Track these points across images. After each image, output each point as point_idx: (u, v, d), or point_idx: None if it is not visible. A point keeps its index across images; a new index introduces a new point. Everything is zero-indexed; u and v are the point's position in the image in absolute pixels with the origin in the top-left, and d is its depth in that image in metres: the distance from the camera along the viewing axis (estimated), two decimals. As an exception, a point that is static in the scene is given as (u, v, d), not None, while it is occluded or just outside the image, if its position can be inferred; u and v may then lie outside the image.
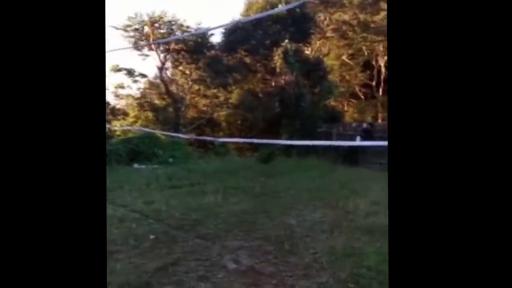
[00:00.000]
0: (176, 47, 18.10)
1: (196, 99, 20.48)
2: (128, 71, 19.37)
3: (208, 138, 11.83)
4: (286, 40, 14.00)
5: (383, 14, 18.20)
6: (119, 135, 15.50)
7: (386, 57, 18.20)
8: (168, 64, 19.23)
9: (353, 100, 20.64)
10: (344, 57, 19.51)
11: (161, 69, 18.46)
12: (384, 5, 18.20)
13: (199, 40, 18.05)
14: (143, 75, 20.09)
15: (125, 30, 17.44)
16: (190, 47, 18.03)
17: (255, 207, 4.97)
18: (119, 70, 19.04)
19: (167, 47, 18.03)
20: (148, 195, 5.72)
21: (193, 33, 18.02)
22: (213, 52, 18.22)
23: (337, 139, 9.80)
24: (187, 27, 18.20)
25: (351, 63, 19.61)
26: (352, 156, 9.03)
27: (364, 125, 11.14)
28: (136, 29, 17.59)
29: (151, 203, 5.15)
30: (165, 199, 5.38)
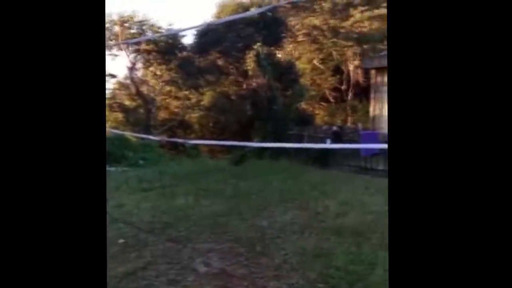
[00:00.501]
0: (147, 47, 17.82)
1: (168, 100, 20.22)
2: (97, 71, 18.84)
3: (179, 140, 11.70)
4: (259, 43, 14.08)
5: (352, 20, 18.67)
6: (87, 137, 15.03)
7: (355, 62, 18.66)
8: (139, 64, 18.90)
9: (323, 104, 20.98)
10: (315, 61, 19.83)
11: (131, 69, 18.12)
12: (353, 12, 18.67)
13: (171, 41, 17.85)
14: (113, 76, 19.61)
15: (94, 29, 17.00)
16: (162, 48, 17.80)
17: (227, 209, 4.96)
18: (88, 70, 18.48)
19: (137, 47, 17.72)
20: (117, 198, 5.59)
21: (165, 33, 17.82)
22: (185, 53, 18.07)
23: (308, 142, 9.93)
24: (159, 27, 17.97)
25: (322, 67, 19.96)
26: (322, 158, 9.18)
27: (334, 128, 11.36)
28: (106, 29, 17.18)
29: (121, 206, 5.04)
30: (135, 202, 5.28)
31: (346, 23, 18.79)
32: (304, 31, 19.23)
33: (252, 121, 13.48)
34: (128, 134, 13.26)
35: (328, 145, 8.26)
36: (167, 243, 3.68)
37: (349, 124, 17.44)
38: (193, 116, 19.23)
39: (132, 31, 17.65)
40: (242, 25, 15.89)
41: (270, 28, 15.81)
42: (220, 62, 17.50)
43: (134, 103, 19.52)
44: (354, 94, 19.52)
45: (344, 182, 6.95)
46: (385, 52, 15.49)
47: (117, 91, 20.22)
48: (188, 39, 20.92)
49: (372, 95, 13.68)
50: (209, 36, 16.30)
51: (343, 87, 19.88)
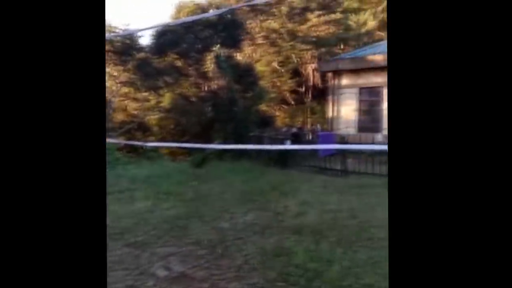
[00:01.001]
0: (103, 48, 17.24)
1: (126, 102, 19.68)
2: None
3: (138, 143, 11.41)
4: (218, 45, 14.07)
5: (309, 24, 19.13)
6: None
7: (313, 65, 19.12)
8: (94, 65, 18.23)
9: (283, 106, 21.31)
10: (274, 64, 20.10)
11: (86, 70, 17.44)
12: (310, 16, 19.13)
13: (128, 41, 17.39)
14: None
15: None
16: (118, 48, 17.30)
17: (188, 212, 4.92)
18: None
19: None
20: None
21: (121, 33, 17.33)
22: (142, 54, 17.68)
23: (268, 143, 10.05)
24: (115, 27, 17.45)
25: (281, 70, 20.27)
26: (282, 159, 9.32)
27: (293, 129, 11.58)
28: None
29: (75, 213, 4.85)
30: (90, 208, 5.10)
31: (303, 27, 19.24)
32: (263, 34, 19.46)
33: (213, 123, 13.42)
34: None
35: (288, 146, 8.40)
36: (124, 248, 3.59)
37: (308, 125, 17.81)
38: (153, 118, 18.83)
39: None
40: (200, 27, 15.82)
41: (229, 30, 15.86)
42: (179, 63, 17.30)
43: (89, 105, 18.77)
44: (313, 96, 20.00)
45: (303, 182, 7.10)
46: (341, 56, 16.01)
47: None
48: (146, 40, 20.52)
49: (329, 97, 14.09)
50: (167, 37, 16.07)
51: (302, 89, 20.31)
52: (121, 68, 18.00)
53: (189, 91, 17.78)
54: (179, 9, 18.45)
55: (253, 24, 19.37)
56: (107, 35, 17.00)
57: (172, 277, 3.00)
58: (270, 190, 6.31)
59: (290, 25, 19.40)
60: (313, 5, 19.78)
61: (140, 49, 18.01)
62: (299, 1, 19.87)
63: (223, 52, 13.83)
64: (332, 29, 19.45)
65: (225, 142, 11.01)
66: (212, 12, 14.72)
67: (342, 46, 19.47)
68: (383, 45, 14.37)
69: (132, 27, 18.23)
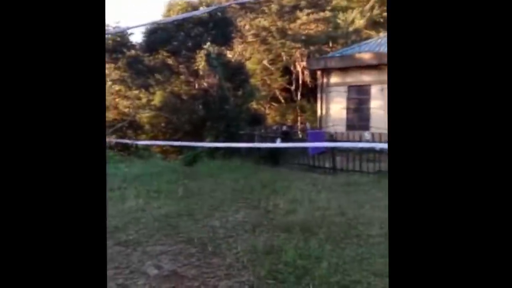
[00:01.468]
0: (93, 45, 17.11)
1: (117, 100, 19.53)
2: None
3: (128, 141, 11.35)
4: (208, 43, 14.05)
5: (299, 22, 19.19)
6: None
7: (303, 63, 19.20)
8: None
9: (274, 104, 21.38)
10: (265, 62, 20.15)
11: (75, 68, 17.29)
12: (300, 14, 19.19)
13: (118, 39, 17.27)
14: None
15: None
16: (109, 46, 17.16)
17: (179, 210, 4.95)
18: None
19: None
20: (62, 203, 5.36)
21: (111, 31, 17.19)
22: (133, 52, 17.57)
23: (259, 141, 10.11)
24: (105, 25, 17.31)
25: (272, 68, 20.33)
26: (273, 157, 9.39)
27: (284, 127, 11.66)
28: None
29: (66, 212, 4.85)
30: (81, 207, 5.10)
31: (293, 25, 19.29)
32: (253, 31, 19.48)
33: (204, 121, 13.43)
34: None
35: (278, 144, 8.47)
36: (115, 247, 3.62)
37: (298, 123, 17.90)
38: (144, 116, 18.74)
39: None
40: (191, 25, 15.77)
41: (220, 28, 15.84)
42: (170, 61, 17.23)
43: (79, 103, 18.62)
44: (302, 95, 20.10)
45: (293, 180, 7.17)
46: (330, 54, 16.10)
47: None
48: (137, 38, 20.38)
49: (318, 96, 14.18)
50: (158, 34, 15.99)
51: (292, 87, 20.39)
52: (112, 65, 17.87)
53: (180, 89, 17.73)
54: (170, 7, 18.35)
55: (243, 22, 19.38)
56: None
57: (163, 275, 3.04)
58: (260, 188, 6.36)
59: (280, 23, 19.46)
60: (303, 3, 19.84)
61: (131, 46, 17.90)
62: (289, -1, 19.94)
63: (214, 50, 13.83)
64: (321, 27, 19.56)
65: (216, 140, 11.04)
66: (202, 10, 14.68)
67: (331, 44, 19.57)
68: (371, 43, 14.50)
69: (123, 24, 18.11)
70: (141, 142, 14.14)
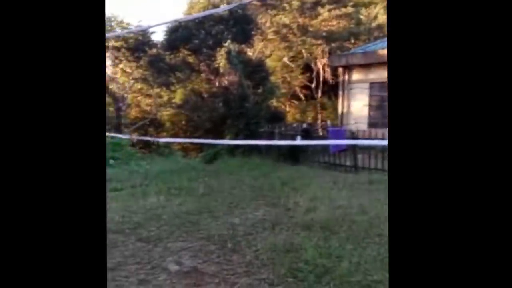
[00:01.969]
0: (116, 44, 17.44)
1: (139, 98, 19.90)
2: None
3: (150, 139, 11.54)
4: (229, 41, 14.09)
5: (321, 18, 18.98)
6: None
7: (324, 60, 19.00)
8: (108, 62, 18.47)
9: (294, 101, 21.27)
10: (285, 59, 20.04)
11: (99, 67, 17.65)
12: (321, 10, 18.97)
13: (140, 37, 17.55)
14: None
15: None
16: (131, 45, 17.48)
17: (199, 207, 4.98)
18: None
19: (106, 44, 17.29)
20: (86, 199, 5.48)
21: (133, 29, 17.48)
22: (155, 50, 17.81)
23: (279, 139, 10.07)
24: (128, 24, 17.62)
25: (292, 65, 20.20)
26: (293, 155, 9.34)
27: (304, 125, 11.57)
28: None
29: (89, 208, 4.96)
30: (104, 203, 5.20)
31: (315, 22, 19.09)
32: (273, 29, 19.39)
33: (224, 118, 13.49)
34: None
35: (298, 142, 8.41)
36: (137, 243, 3.67)
37: (319, 121, 17.75)
38: (165, 114, 19.02)
39: (99, 27, 17.17)
40: (212, 23, 15.85)
41: (240, 25, 15.86)
42: (190, 59, 17.39)
43: (103, 101, 19.05)
44: (323, 92, 19.89)
45: (314, 178, 7.11)
46: (352, 51, 15.87)
47: (85, 89, 19.67)
48: (158, 36, 20.65)
49: (340, 93, 14.00)
50: (179, 33, 16.16)
51: (313, 85, 20.21)
52: (134, 64, 18.19)
53: (201, 87, 17.89)
54: (191, 5, 18.51)
55: (263, 19, 19.31)
56: (120, 31, 17.18)
57: (183, 271, 3.07)
58: (280, 186, 6.34)
59: (301, 20, 19.29)
60: (324, -1, 19.62)
61: (153, 45, 18.15)
62: (310, -5, 19.74)
63: (234, 47, 13.85)
64: (343, 23, 19.28)
65: (236, 138, 11.06)
66: (222, 7, 14.71)
67: (353, 41, 19.27)
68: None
69: (145, 23, 18.37)
70: (162, 140, 14.34)
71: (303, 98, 20.96)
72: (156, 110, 19.23)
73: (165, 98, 19.04)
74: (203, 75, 17.63)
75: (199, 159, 11.95)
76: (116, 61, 18.52)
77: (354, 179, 7.13)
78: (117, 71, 19.02)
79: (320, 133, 12.00)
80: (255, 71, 13.46)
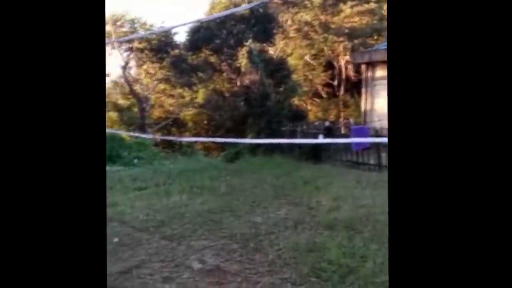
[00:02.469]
0: (140, 46, 17.76)
1: (162, 98, 20.21)
2: (90, 70, 18.80)
3: (173, 138, 11.70)
4: (250, 40, 14.09)
5: (343, 15, 18.71)
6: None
7: (346, 57, 18.72)
8: (132, 63, 18.83)
9: (316, 99, 21.07)
10: (307, 57, 19.87)
11: (124, 68, 18.04)
12: (343, 7, 18.70)
13: (163, 39, 17.80)
14: (106, 75, 19.56)
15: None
16: (154, 46, 17.76)
17: (221, 206, 5.01)
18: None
19: (130, 46, 17.65)
20: (111, 197, 5.61)
21: (156, 31, 17.75)
22: (177, 51, 18.03)
23: (301, 137, 10.00)
24: (151, 25, 17.91)
25: (314, 63, 20.01)
26: (315, 153, 9.25)
27: (326, 123, 11.44)
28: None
29: (115, 205, 5.06)
30: (129, 201, 5.31)
31: (337, 18, 18.84)
32: (295, 26, 19.26)
33: (246, 117, 13.51)
34: (123, 133, 13.24)
35: (320, 140, 8.33)
36: (161, 241, 3.72)
37: (341, 119, 17.53)
38: (187, 113, 19.24)
39: (124, 29, 17.57)
40: (233, 22, 15.89)
41: (261, 24, 15.83)
42: (212, 59, 17.50)
43: (128, 102, 19.49)
44: (346, 89, 19.63)
45: (337, 177, 7.01)
46: (375, 47, 15.57)
47: (111, 90, 20.18)
48: (181, 37, 20.90)
49: (363, 90, 13.77)
50: (201, 33, 16.28)
51: (335, 82, 19.97)
52: (157, 65, 18.47)
53: (222, 87, 17.98)
54: (213, 5, 18.62)
55: (285, 17, 19.21)
56: (143, 33, 17.47)
57: (206, 270, 3.08)
58: (302, 185, 6.29)
59: (322, 17, 19.08)
60: (346, -5, 19.33)
61: (175, 46, 18.37)
62: (332, -8, 19.49)
63: (256, 46, 13.85)
64: (365, 19, 18.94)
65: (257, 137, 11.06)
66: (244, 6, 14.73)
67: (376, 37, 18.91)
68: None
69: (168, 24, 18.63)
70: (185, 139, 14.51)
71: (325, 96, 20.75)
72: (179, 110, 19.48)
73: (188, 98, 19.26)
74: (224, 74, 17.72)
75: (221, 158, 12.00)
76: (140, 62, 18.87)
77: (378, 177, 6.99)
78: (141, 72, 19.38)
79: (343, 131, 11.84)
80: (277, 70, 13.41)
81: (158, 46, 17.75)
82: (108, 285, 2.76)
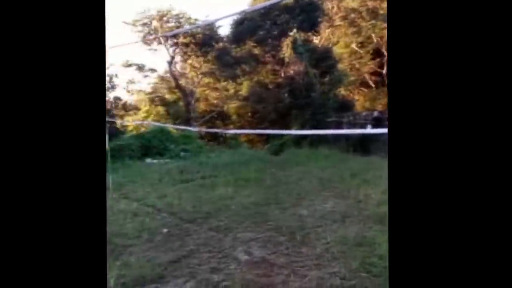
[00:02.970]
0: (185, 40, 18.09)
1: (207, 92, 20.53)
2: (139, 66, 19.50)
3: (218, 130, 11.86)
4: (295, 30, 13.87)
5: (393, -1, 17.83)
6: (131, 130, 15.65)
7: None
8: (178, 58, 19.26)
9: (363, 89, 20.41)
10: (353, 45, 19.26)
11: (170, 63, 18.51)
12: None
13: (207, 32, 18.00)
14: (153, 70, 20.21)
15: (134, 25, 17.51)
16: (199, 40, 18.01)
17: (266, 198, 4.99)
18: (130, 65, 19.18)
19: (175, 40, 18.04)
20: (160, 189, 5.79)
21: (200, 24, 17.99)
22: (221, 44, 18.17)
23: (348, 128, 9.74)
24: (195, 19, 18.17)
25: (361, 51, 19.35)
26: (363, 145, 8.99)
27: (375, 113, 11.05)
28: (144, 24, 17.64)
29: (164, 197, 5.22)
30: (177, 193, 5.44)
31: (385, 4, 18.02)
32: (341, 14, 18.70)
33: (290, 109, 13.38)
34: (169, 126, 13.62)
35: (369, 130, 8.06)
36: (208, 232, 3.77)
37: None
38: (232, 106, 19.41)
39: (170, 24, 17.98)
40: (277, 12, 15.70)
41: (306, 13, 15.49)
42: (256, 51, 17.45)
43: (174, 96, 20.02)
44: (396, 78, 18.78)
45: (386, 169, 6.75)
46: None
47: (158, 85, 20.82)
48: (225, 30, 21.06)
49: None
50: (244, 25, 16.26)
51: (384, 70, 19.19)
52: (202, 59, 18.75)
53: (267, 78, 17.91)
54: (257, -4, 18.53)
55: (330, 5, 18.70)
56: (187, 27, 17.79)
57: (253, 261, 3.08)
58: (350, 178, 6.12)
59: (370, 3, 18.35)
60: (395, -21, 18.42)
61: (220, 39, 18.52)
62: (380, -23, 18.67)
63: (300, 36, 13.62)
64: (417, 3, 17.97)
65: (302, 128, 10.92)
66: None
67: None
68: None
69: (212, 18, 18.82)
70: (230, 131, 14.66)
71: (373, 85, 20.03)
72: (223, 103, 19.71)
73: (232, 91, 19.41)
74: (268, 66, 17.63)
75: (265, 150, 12.01)
76: (185, 57, 19.25)
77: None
78: (186, 67, 19.78)
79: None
80: (322, 59, 13.13)
81: (203, 40, 17.98)
82: (158, 274, 2.83)
